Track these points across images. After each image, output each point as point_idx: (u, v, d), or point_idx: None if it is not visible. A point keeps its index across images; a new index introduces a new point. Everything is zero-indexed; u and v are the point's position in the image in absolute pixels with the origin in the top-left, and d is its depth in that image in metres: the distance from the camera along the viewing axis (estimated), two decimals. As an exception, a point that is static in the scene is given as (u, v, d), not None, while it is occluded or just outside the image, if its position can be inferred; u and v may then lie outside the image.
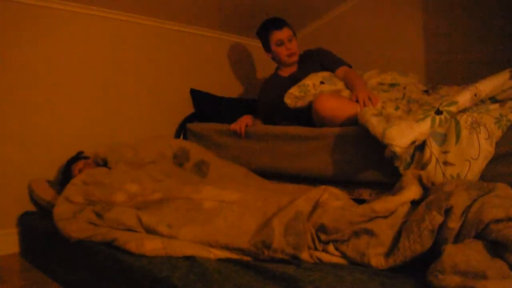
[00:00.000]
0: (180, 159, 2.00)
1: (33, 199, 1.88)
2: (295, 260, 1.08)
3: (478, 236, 0.89)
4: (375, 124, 1.41)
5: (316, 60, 2.21)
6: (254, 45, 2.98)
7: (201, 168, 1.93)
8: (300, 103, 1.87)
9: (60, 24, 2.04)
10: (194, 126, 2.36)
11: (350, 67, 2.15)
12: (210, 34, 2.70)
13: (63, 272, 1.46)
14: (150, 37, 2.39)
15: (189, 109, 2.49)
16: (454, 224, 0.92)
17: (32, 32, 1.94)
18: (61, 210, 1.47)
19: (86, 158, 1.95)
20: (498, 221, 0.86)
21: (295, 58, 2.20)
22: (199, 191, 1.41)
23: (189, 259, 1.09)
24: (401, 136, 1.30)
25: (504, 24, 2.11)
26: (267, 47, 2.24)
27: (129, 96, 2.30)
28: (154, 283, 1.00)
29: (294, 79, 2.15)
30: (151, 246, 1.15)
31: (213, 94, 2.52)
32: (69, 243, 1.37)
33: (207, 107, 2.46)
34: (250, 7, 2.53)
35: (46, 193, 1.82)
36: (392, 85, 2.09)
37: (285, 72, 2.26)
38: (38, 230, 1.69)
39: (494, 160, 1.31)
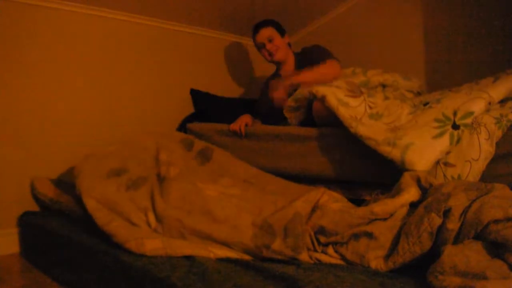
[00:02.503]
0: (185, 145, 2.01)
1: (35, 197, 1.89)
2: (294, 260, 1.08)
3: (478, 237, 0.89)
4: (379, 140, 1.33)
5: (310, 59, 2.18)
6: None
7: (205, 154, 1.93)
8: (299, 118, 1.87)
9: (60, 24, 2.04)
10: (194, 126, 2.36)
11: (338, 60, 2.08)
12: (210, 34, 2.70)
13: (63, 272, 1.46)
14: (150, 37, 2.39)
15: (189, 109, 2.49)
16: (453, 225, 0.92)
17: (32, 32, 1.94)
18: (90, 166, 1.52)
19: None
20: (497, 221, 0.86)
21: (279, 56, 2.20)
22: (204, 183, 1.47)
23: (189, 259, 1.09)
24: (422, 158, 1.24)
25: (504, 24, 2.11)
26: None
27: (129, 96, 2.30)
28: (154, 283, 1.00)
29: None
30: (151, 246, 1.15)
31: (213, 94, 2.52)
32: (71, 243, 1.37)
33: (207, 107, 2.46)
34: (250, 7, 2.53)
35: (48, 190, 1.83)
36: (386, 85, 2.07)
37: (285, 72, 2.26)
38: (38, 230, 1.69)
39: (494, 160, 1.31)
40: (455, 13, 2.27)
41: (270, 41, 2.18)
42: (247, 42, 2.93)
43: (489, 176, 1.33)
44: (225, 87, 2.79)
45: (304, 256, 1.09)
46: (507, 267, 0.79)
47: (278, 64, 2.28)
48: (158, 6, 2.30)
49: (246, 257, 1.12)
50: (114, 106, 2.23)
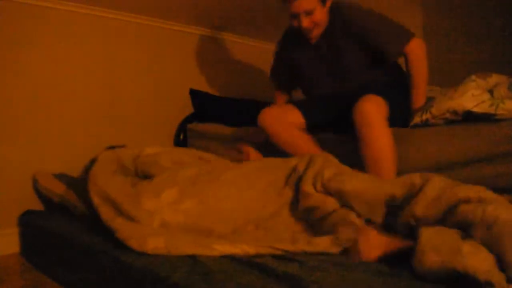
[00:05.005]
0: None
1: (38, 192, 1.89)
2: (299, 258, 1.06)
3: (445, 219, 0.97)
4: None
5: (352, 28, 1.70)
6: (254, 45, 2.98)
7: None
8: None
9: (60, 24, 2.03)
10: (195, 126, 2.36)
11: (413, 34, 1.67)
12: (210, 34, 2.70)
13: (63, 272, 1.46)
14: (150, 37, 2.39)
15: (189, 109, 2.49)
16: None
17: (32, 32, 1.94)
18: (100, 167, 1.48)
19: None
20: (468, 201, 0.94)
21: (315, 34, 1.73)
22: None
23: (191, 258, 1.08)
24: None
25: (504, 24, 2.11)
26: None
27: (129, 96, 2.30)
28: (155, 283, 1.00)
29: (319, 49, 1.79)
30: (154, 244, 1.14)
31: (213, 94, 2.52)
32: (71, 243, 1.37)
33: (207, 107, 2.46)
34: (250, 7, 2.53)
35: (54, 186, 1.83)
36: None
37: (312, 34, 1.77)
38: (38, 229, 1.69)
39: (494, 161, 1.31)
40: (455, 13, 2.27)
41: (308, 14, 1.65)
42: (247, 42, 2.93)
43: (489, 176, 1.34)
44: (225, 87, 2.79)
45: None
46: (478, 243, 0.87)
47: None
48: (158, 6, 2.29)
49: (251, 250, 1.10)
50: (114, 106, 2.23)
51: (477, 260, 0.81)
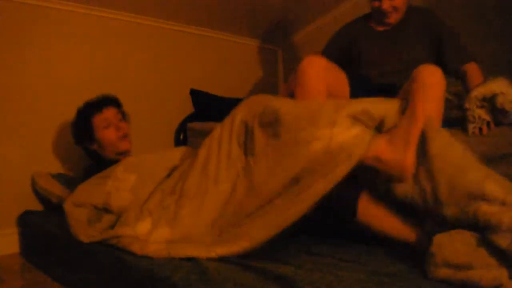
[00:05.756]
0: None
1: (36, 193, 1.90)
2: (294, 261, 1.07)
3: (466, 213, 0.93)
4: None
5: (428, 29, 1.76)
6: (254, 45, 2.99)
7: None
8: None
9: (60, 24, 2.04)
10: (195, 125, 2.36)
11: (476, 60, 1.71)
12: (210, 34, 2.70)
13: (63, 272, 1.47)
14: (150, 37, 2.39)
15: (189, 109, 2.50)
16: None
17: (32, 32, 1.94)
18: (76, 212, 1.45)
19: (118, 105, 1.74)
20: (490, 200, 0.90)
21: (394, 19, 1.76)
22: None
23: (190, 260, 1.09)
24: None
25: (504, 24, 2.11)
26: None
27: (129, 96, 2.29)
28: (155, 283, 1.00)
29: (390, 36, 1.79)
30: (155, 247, 1.15)
31: (213, 94, 2.52)
32: (71, 243, 1.37)
33: (207, 107, 2.46)
34: (250, 7, 2.54)
35: (53, 187, 1.84)
36: None
37: (379, 25, 1.83)
38: (39, 229, 1.69)
39: (494, 161, 1.31)
40: (455, 13, 2.27)
41: None
42: (247, 42, 2.93)
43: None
44: (225, 87, 2.79)
45: None
46: (490, 255, 0.86)
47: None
48: (158, 6, 2.30)
49: (247, 244, 1.10)
50: (114, 106, 2.23)
51: (485, 272, 0.83)
